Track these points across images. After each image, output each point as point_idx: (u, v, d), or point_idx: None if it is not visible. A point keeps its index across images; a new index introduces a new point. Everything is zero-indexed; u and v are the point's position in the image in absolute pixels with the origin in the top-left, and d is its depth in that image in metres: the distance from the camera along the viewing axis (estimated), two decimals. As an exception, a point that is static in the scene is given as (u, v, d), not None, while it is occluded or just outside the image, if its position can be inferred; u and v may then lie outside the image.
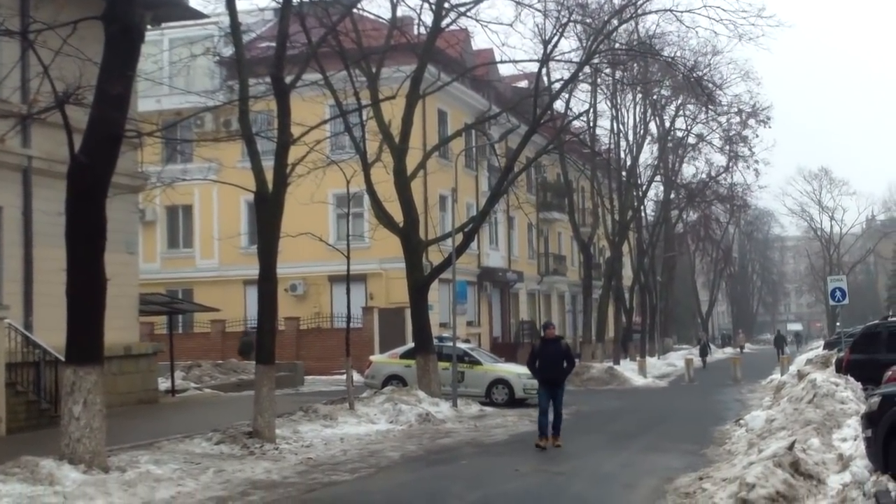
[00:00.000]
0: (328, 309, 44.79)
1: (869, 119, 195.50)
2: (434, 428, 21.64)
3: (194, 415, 23.59)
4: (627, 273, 64.14)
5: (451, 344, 28.83)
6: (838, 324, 38.13)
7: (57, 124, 14.10)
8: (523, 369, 30.78)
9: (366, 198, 29.94)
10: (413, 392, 25.33)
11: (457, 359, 28.29)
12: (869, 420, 11.80)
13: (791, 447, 11.92)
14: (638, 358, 45.42)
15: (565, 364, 18.24)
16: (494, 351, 48.15)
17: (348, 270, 24.30)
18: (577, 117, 43.22)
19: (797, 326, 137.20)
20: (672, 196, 67.31)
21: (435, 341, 28.86)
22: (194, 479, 13.99)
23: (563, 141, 44.63)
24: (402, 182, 26.99)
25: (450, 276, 45.85)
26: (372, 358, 31.29)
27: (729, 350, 78.23)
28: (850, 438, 14.05)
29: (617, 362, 47.19)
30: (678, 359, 54.10)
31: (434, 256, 36.58)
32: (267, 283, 18.64)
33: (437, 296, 44.48)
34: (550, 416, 17.88)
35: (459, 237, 28.57)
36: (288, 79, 19.21)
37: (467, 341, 46.02)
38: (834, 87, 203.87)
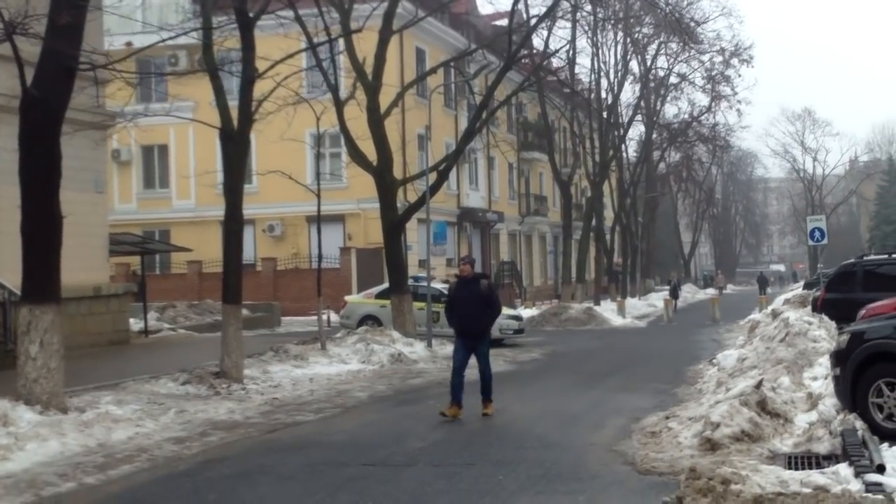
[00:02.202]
0: (307, 249, 44.50)
1: (853, 60, 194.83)
2: (406, 368, 21.45)
3: (165, 355, 23.34)
4: (609, 214, 63.91)
5: (426, 284, 28.57)
6: (820, 265, 37.96)
7: (13, 58, 13.61)
8: (499, 309, 30.65)
9: (343, 137, 29.50)
10: (387, 332, 25.13)
11: (432, 299, 28.06)
12: (837, 358, 11.59)
13: (758, 386, 11.71)
14: (618, 298, 45.24)
15: (487, 310, 14.13)
16: (474, 292, 48.04)
17: (319, 210, 23.99)
18: (554, 53, 42.65)
19: (780, 267, 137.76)
20: (654, 136, 66.94)
21: (411, 281, 28.62)
22: (154, 419, 13.76)
23: (542, 79, 44.05)
24: (376, 120, 26.55)
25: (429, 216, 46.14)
26: (347, 298, 31.00)
27: (710, 291, 78.32)
28: (821, 377, 13.87)
29: (597, 303, 47.08)
30: (659, 299, 53.99)
31: (412, 196, 36.22)
32: (233, 223, 18.35)
33: (416, 236, 44.24)
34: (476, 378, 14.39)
35: (434, 176, 28.16)
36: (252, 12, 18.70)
37: (446, 282, 45.95)
38: (817, 27, 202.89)
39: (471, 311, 13.95)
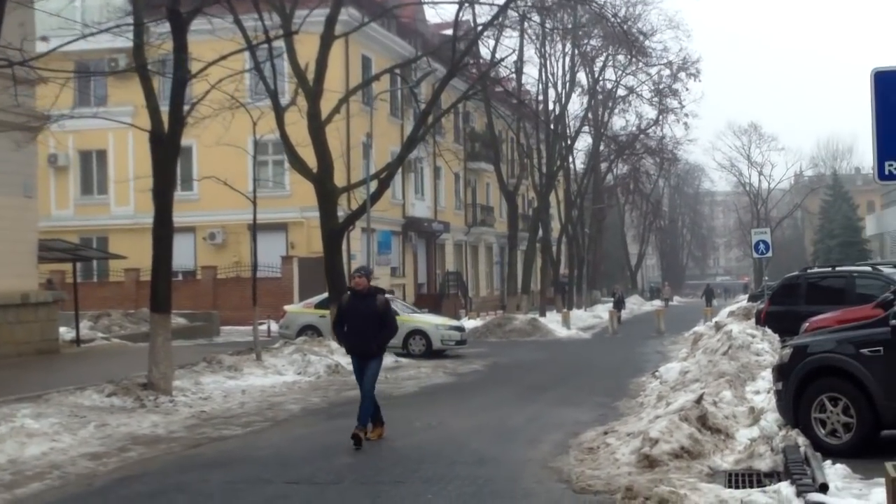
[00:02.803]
0: (248, 258, 43.76)
1: (799, 76, 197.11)
2: (343, 380, 20.84)
3: (95, 365, 22.56)
4: (557, 225, 63.76)
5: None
6: (765, 277, 37.90)
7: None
8: (442, 319, 30.23)
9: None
10: (325, 343, 24.57)
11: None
12: (780, 372, 11.27)
13: (699, 400, 11.35)
14: (563, 310, 44.93)
15: (381, 330, 12.69)
16: (419, 302, 47.51)
17: (255, 218, 23.40)
18: (500, 62, 42.22)
19: (726, 280, 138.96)
20: (602, 148, 66.91)
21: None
22: (72, 433, 13.10)
23: (488, 88, 43.78)
24: (316, 126, 26.00)
25: (373, 225, 45.55)
26: (286, 308, 30.38)
27: (657, 302, 78.44)
28: (764, 391, 13.58)
29: (543, 314, 46.77)
30: (605, 311, 53.80)
31: (356, 205, 35.72)
32: (162, 229, 17.71)
33: (360, 245, 43.69)
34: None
35: (376, 185, 27.68)
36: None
37: (391, 292, 45.40)
38: (764, 43, 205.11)
39: (364, 329, 12.53)
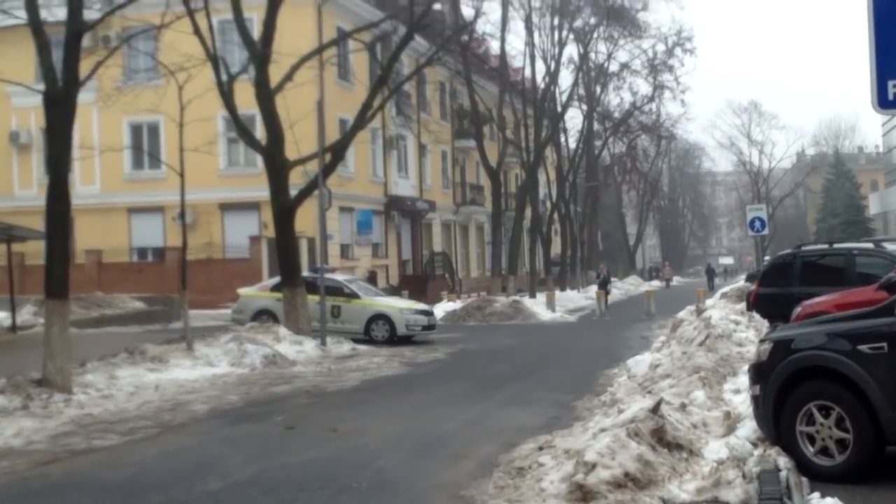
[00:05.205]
0: (220, 238, 41.70)
1: (800, 54, 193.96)
2: (279, 372, 18.62)
3: (16, 356, 20.19)
4: (549, 204, 61.45)
5: (329, 276, 25.85)
6: (767, 256, 35.57)
7: None
8: (407, 303, 27.96)
9: (258, 120, 26.86)
10: (273, 329, 22.34)
11: (333, 292, 25.29)
12: (758, 373, 8.95)
13: (656, 409, 9.02)
14: (546, 291, 42.54)
15: None
16: (403, 283, 45.30)
17: (182, 196, 20.95)
18: (469, 24, 39.74)
19: (728, 260, 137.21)
20: (596, 127, 64.61)
21: (308, 274, 25.89)
22: None
23: (467, 58, 41.43)
24: (265, 94, 23.67)
25: (352, 204, 43.28)
26: (240, 291, 28.00)
27: (655, 283, 76.11)
28: (745, 390, 11.20)
29: (533, 295, 44.52)
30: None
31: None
32: (57, 203, 15.36)
33: (338, 225, 41.47)
34: None
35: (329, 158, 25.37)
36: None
37: (372, 273, 43.10)
38: (764, 20, 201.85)
39: None
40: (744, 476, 7.81)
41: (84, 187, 43.47)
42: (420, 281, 46.76)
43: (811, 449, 8.31)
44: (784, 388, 8.48)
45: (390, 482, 8.93)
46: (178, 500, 8.46)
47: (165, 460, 10.30)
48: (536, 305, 38.57)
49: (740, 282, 46.61)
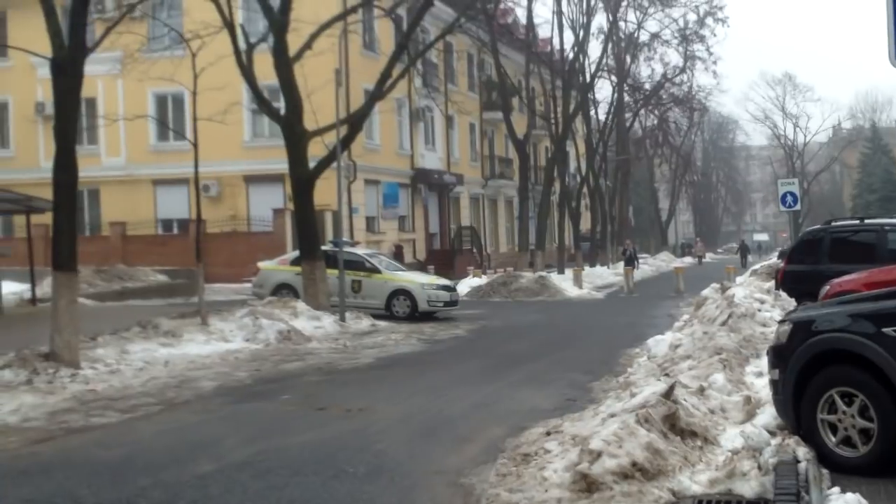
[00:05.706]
0: (245, 211, 41.41)
1: (835, 25, 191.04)
2: (293, 348, 18.28)
3: (31, 329, 19.99)
4: (578, 178, 60.71)
5: (350, 249, 25.51)
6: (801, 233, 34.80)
7: None
8: (429, 278, 27.55)
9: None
10: (291, 304, 21.98)
11: (354, 267, 24.94)
12: (777, 356, 8.46)
13: (668, 394, 8.55)
14: (574, 267, 41.95)
15: None
16: (430, 258, 44.86)
17: (196, 167, 20.63)
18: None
19: (763, 236, 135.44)
20: (627, 99, 63.71)
21: (329, 246, 25.53)
22: None
23: (493, 27, 40.77)
24: (283, 62, 23.25)
25: (377, 177, 42.83)
26: (260, 265, 27.64)
27: (687, 259, 75.23)
28: (767, 373, 10.72)
29: (561, 271, 43.95)
30: (628, 269, 50.78)
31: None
32: (63, 173, 15.03)
33: (363, 197, 41.08)
34: None
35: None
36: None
37: (398, 247, 42.69)
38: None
39: None
40: (759, 467, 7.35)
41: (110, 159, 43.41)
42: (447, 255, 46.29)
43: (833, 439, 7.80)
44: (804, 373, 7.98)
45: (388, 467, 8.51)
46: (166, 483, 8.08)
47: (161, 440, 9.96)
48: (563, 282, 38.04)
49: (773, 258, 45.92)
